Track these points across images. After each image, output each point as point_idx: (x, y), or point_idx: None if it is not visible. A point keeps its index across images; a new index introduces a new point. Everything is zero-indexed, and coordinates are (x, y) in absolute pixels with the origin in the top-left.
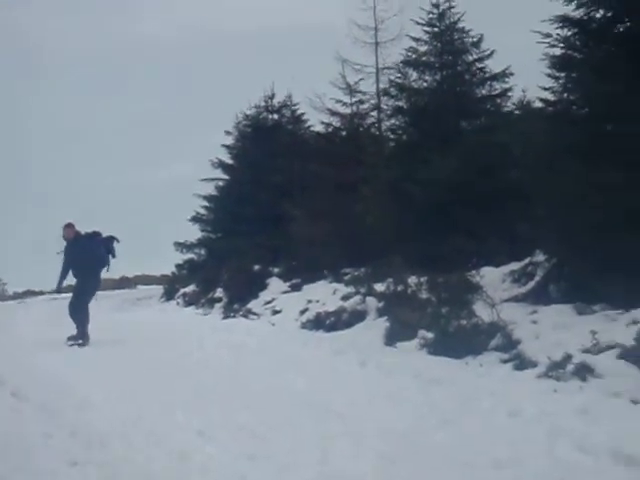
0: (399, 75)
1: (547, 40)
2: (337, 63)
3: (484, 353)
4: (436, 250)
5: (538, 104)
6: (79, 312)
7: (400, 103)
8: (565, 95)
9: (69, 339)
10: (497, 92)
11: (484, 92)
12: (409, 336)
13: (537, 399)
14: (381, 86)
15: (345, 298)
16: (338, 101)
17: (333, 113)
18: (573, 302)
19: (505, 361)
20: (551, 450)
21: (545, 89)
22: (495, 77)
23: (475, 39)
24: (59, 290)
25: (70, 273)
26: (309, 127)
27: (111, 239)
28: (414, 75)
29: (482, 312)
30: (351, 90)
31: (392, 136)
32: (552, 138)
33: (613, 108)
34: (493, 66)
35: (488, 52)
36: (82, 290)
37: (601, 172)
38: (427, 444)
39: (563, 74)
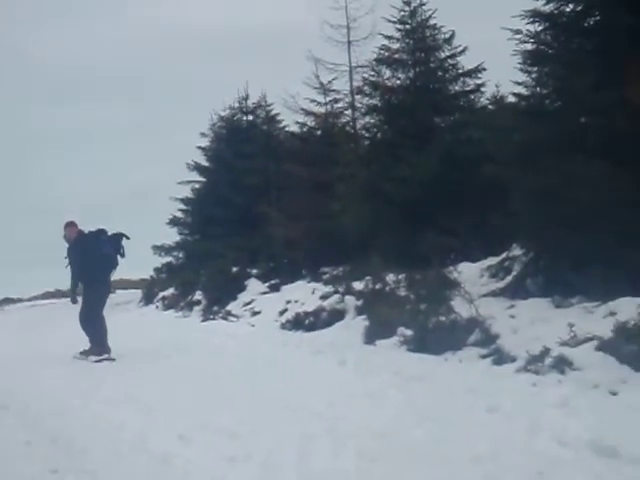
0: (372, 73)
1: (518, 36)
2: (310, 62)
3: (463, 349)
4: (413, 247)
5: (511, 99)
6: (92, 322)
7: (374, 101)
8: (538, 89)
9: (82, 354)
10: (470, 88)
11: (457, 88)
12: (388, 334)
13: (516, 393)
14: (355, 84)
15: (324, 297)
16: (312, 101)
17: (307, 113)
18: (550, 296)
19: (484, 356)
20: (530, 444)
21: (518, 84)
22: (468, 73)
23: (447, 36)
24: (75, 300)
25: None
26: (284, 127)
27: (119, 236)
28: (387, 73)
29: (460, 308)
30: (325, 89)
31: (367, 134)
32: (526, 132)
33: (585, 101)
34: (466, 62)
35: (460, 48)
36: (93, 297)
37: (575, 165)
38: (407, 441)
39: (535, 68)
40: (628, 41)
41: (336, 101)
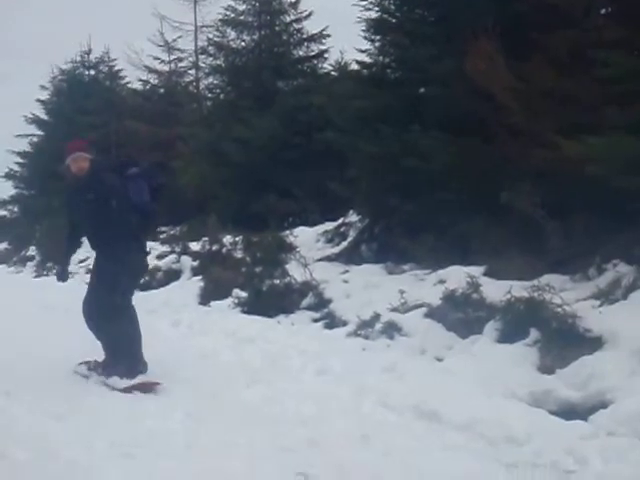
0: (218, 34)
1: (363, 3)
2: (155, 19)
3: (296, 312)
4: (252, 209)
5: (355, 66)
6: (116, 319)
7: (218, 62)
8: (380, 58)
9: (92, 370)
10: (314, 53)
11: (301, 53)
12: (223, 295)
13: (346, 357)
14: (200, 44)
15: (160, 257)
16: (156, 58)
17: (151, 70)
18: (384, 262)
19: (316, 320)
20: (357, 407)
21: (362, 51)
22: (312, 38)
23: (293, 0)
24: (63, 276)
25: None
26: (127, 84)
27: (154, 171)
28: (232, 34)
29: (295, 272)
30: (169, 47)
31: (210, 95)
32: (366, 100)
33: (425, 71)
34: (310, 27)
35: (306, 13)
36: (117, 274)
37: (412, 134)
38: (236, 402)
39: (378, 37)
40: (467, 13)
41: (180, 60)
